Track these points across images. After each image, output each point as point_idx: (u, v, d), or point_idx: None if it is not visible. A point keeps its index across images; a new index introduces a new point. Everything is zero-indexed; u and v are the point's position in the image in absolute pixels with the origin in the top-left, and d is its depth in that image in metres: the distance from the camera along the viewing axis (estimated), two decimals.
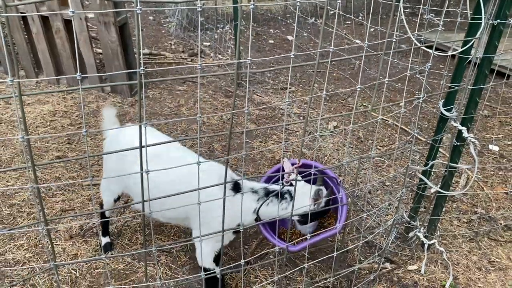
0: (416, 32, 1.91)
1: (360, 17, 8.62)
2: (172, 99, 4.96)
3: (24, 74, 5.05)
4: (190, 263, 2.73)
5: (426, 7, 2.47)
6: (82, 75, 1.26)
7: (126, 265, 2.66)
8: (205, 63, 5.95)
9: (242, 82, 5.40)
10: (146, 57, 6.03)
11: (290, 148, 4.05)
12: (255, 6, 1.41)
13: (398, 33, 1.89)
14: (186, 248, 2.84)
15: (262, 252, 2.79)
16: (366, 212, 3.22)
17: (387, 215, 3.27)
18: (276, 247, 2.45)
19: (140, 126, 1.47)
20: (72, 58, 4.74)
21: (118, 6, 4.46)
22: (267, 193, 2.16)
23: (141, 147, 1.51)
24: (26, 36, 4.86)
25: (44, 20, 4.59)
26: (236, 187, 2.16)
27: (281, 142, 4.18)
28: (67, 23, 4.57)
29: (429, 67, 2.02)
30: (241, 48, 5.35)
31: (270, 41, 7.30)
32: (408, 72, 1.94)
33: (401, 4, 2.19)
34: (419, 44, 2.14)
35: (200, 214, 2.02)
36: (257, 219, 2.22)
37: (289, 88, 5.39)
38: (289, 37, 7.56)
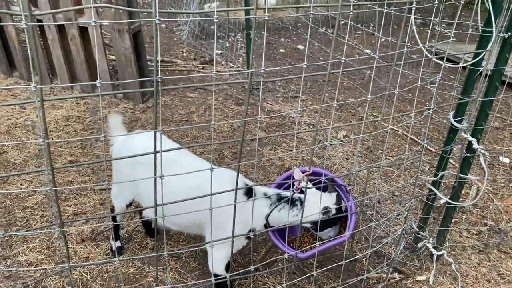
0: (427, 44, 1.93)
1: (370, 27, 8.65)
2: (183, 106, 5.02)
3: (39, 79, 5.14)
4: (199, 268, 2.75)
5: (438, 19, 2.49)
6: (98, 82, 1.30)
7: (136, 269, 2.69)
8: (217, 71, 6.01)
9: (253, 90, 5.45)
10: (157, 64, 6.10)
11: (300, 156, 4.07)
12: (268, 18, 1.44)
13: (409, 44, 1.91)
14: (195, 253, 2.86)
15: (271, 260, 2.81)
16: (375, 222, 3.23)
17: (396, 225, 3.27)
18: (284, 255, 2.47)
19: (155, 133, 1.52)
20: (86, 65, 4.82)
21: (133, 14, 4.53)
22: (279, 199, 2.19)
23: (155, 152, 1.55)
24: (42, 42, 4.96)
25: (60, 27, 4.68)
26: (249, 193, 2.19)
27: (290, 150, 4.20)
28: (82, 30, 4.66)
29: (439, 78, 2.04)
30: (252, 56, 5.41)
31: (281, 50, 7.35)
32: (419, 83, 1.96)
33: (412, 16, 2.22)
34: (430, 56, 2.16)
35: (214, 220, 2.06)
36: (266, 225, 2.24)
37: (304, 98, 5.43)
38: (300, 46, 7.61)
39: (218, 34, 7.51)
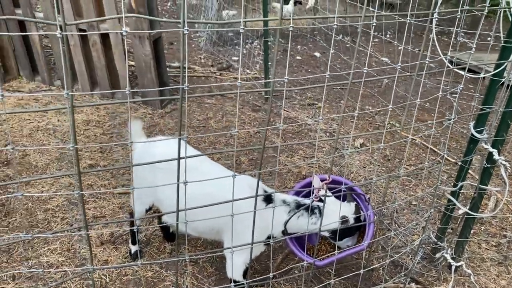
0: (449, 54, 1.93)
1: (388, 35, 8.63)
2: (200, 112, 5.07)
3: (60, 84, 5.25)
4: (216, 274, 2.77)
5: (459, 29, 2.49)
6: (127, 90, 1.34)
7: (154, 273, 2.73)
8: (234, 78, 6.06)
9: (269, 97, 5.47)
10: (176, 70, 6.18)
11: (316, 163, 4.08)
12: (293, 28, 1.47)
13: (429, 54, 1.91)
14: (212, 259, 2.88)
15: (288, 267, 2.81)
16: (392, 231, 3.21)
17: (414, 235, 3.25)
18: (301, 262, 2.48)
19: (179, 140, 1.55)
20: (106, 70, 4.91)
21: (154, 22, 4.60)
22: (298, 206, 2.21)
23: (179, 158, 1.58)
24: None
25: (82, 32, 4.78)
26: (267, 199, 2.21)
27: (307, 157, 4.21)
28: (103, 37, 4.75)
29: (461, 88, 2.04)
30: (269, 63, 5.44)
31: (297, 57, 7.37)
32: (440, 93, 1.96)
33: (434, 26, 2.22)
34: (451, 66, 2.16)
35: (234, 227, 2.08)
36: (284, 231, 2.26)
37: (320, 105, 5.43)
38: (316, 54, 7.62)
39: (236, 41, 7.57)
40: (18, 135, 4.18)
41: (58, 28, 1.17)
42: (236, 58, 6.92)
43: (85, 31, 4.72)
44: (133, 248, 2.82)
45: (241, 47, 1.53)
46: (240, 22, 1.38)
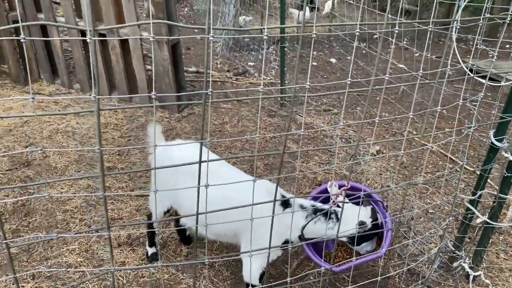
0: (470, 62, 1.92)
1: (404, 42, 8.58)
2: (216, 116, 5.10)
3: (79, 87, 5.34)
4: (231, 278, 2.78)
5: (480, 36, 2.48)
6: (153, 94, 1.36)
7: (170, 276, 2.75)
8: (250, 83, 6.09)
9: (285, 102, 5.49)
10: (193, 75, 6.24)
11: (332, 170, 4.07)
12: (316, 35, 1.48)
13: (448, 61, 1.91)
14: (227, 262, 2.90)
15: (303, 274, 2.81)
16: (408, 239, 3.19)
17: (430, 243, 3.22)
18: (317, 268, 2.47)
19: (201, 144, 1.57)
20: (125, 74, 4.98)
21: (173, 27, 4.67)
22: (316, 211, 2.21)
23: (200, 162, 1.60)
24: (84, 52, 5.16)
25: (101, 37, 4.86)
26: (285, 204, 2.22)
27: (322, 164, 4.21)
28: (122, 41, 4.82)
29: (481, 96, 2.02)
30: (285, 69, 5.46)
31: (313, 63, 7.38)
32: (461, 101, 1.95)
33: (454, 34, 2.22)
34: (471, 74, 2.15)
35: (250, 230, 2.09)
36: (301, 236, 2.26)
37: (336, 111, 5.43)
38: (332, 60, 7.62)
39: (251, 47, 7.61)
40: (39, 137, 4.26)
41: (88, 33, 1.20)
42: (252, 64, 6.95)
43: (104, 35, 4.80)
44: (150, 250, 2.85)
45: (263, 53, 1.55)
46: (262, 28, 1.40)
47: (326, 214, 2.21)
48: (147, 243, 2.88)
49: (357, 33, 1.50)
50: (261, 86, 1.49)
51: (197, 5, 10.45)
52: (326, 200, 2.45)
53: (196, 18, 9.83)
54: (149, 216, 2.82)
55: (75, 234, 1.53)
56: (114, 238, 3.03)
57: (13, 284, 2.63)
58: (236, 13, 7.32)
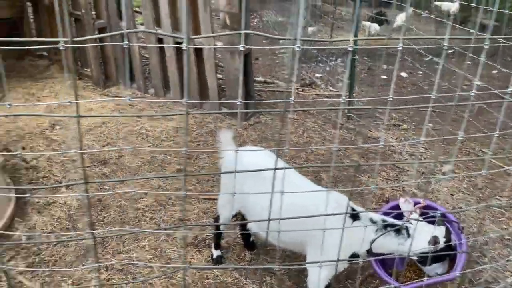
0: None
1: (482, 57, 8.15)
2: (282, 126, 5.14)
3: (154, 91, 5.61)
4: (293, 287, 2.78)
5: None
6: (239, 101, 1.41)
7: (233, 280, 2.80)
8: (316, 94, 6.09)
9: (352, 115, 5.41)
10: (260, 85, 6.33)
11: (401, 187, 3.95)
12: (402, 47, 1.47)
13: None
14: (290, 271, 2.90)
15: None
16: (481, 265, 3.01)
17: (506, 271, 3.02)
18: (383, 286, 2.41)
19: (277, 151, 1.60)
20: (197, 82, 5.17)
21: (247, 37, 4.78)
22: (386, 226, 2.17)
23: (275, 169, 1.63)
24: (159, 58, 5.42)
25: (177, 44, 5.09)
26: (354, 217, 2.19)
27: (389, 180, 4.10)
28: (197, 50, 5.02)
29: None
30: (350, 81, 5.40)
31: (383, 76, 7.23)
32: None
33: None
34: None
35: (317, 240, 2.09)
36: (370, 250, 2.22)
37: (405, 126, 5.28)
38: (403, 74, 7.42)
39: (319, 58, 7.60)
40: (115, 137, 4.53)
41: (185, 42, 1.27)
42: (319, 75, 6.94)
43: (180, 43, 5.02)
44: (215, 253, 2.92)
45: (331, 64, 1.56)
46: (350, 40, 1.41)
47: (397, 230, 2.15)
48: (212, 245, 2.96)
49: (445, 47, 1.47)
50: (343, 97, 1.50)
51: (267, 17, 10.63)
52: (397, 217, 2.39)
53: (266, 30, 9.99)
54: (216, 219, 2.90)
55: (155, 230, 1.62)
56: (182, 238, 3.14)
57: (88, 273, 2.81)
58: (306, 24, 7.36)
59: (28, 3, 6.54)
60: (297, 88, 6.37)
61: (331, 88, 6.39)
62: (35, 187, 3.73)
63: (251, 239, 3.04)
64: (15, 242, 3.04)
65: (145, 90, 5.64)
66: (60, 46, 1.17)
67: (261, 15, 10.98)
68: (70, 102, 1.28)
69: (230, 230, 3.26)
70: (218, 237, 2.91)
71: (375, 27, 8.83)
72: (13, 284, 2.34)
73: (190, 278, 2.80)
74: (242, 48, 1.33)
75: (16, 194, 3.42)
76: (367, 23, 8.84)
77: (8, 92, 5.49)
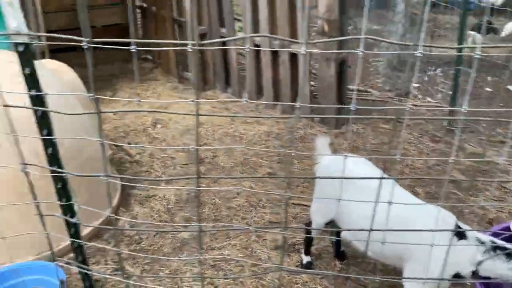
0: None
1: None
2: (374, 136, 5.00)
3: (248, 96, 5.77)
4: None
5: None
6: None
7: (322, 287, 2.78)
8: (414, 105, 5.84)
9: (454, 129, 5.10)
10: (350, 92, 6.23)
11: (507, 209, 3.64)
12: None
13: None
14: (382, 286, 2.81)
15: None
16: None
17: None
18: None
19: (384, 160, 1.56)
20: (290, 88, 5.22)
21: (342, 44, 4.74)
22: (495, 248, 2.01)
23: (381, 178, 1.60)
24: (255, 64, 5.56)
25: (273, 52, 5.18)
26: (460, 235, 2.07)
27: (494, 200, 3.80)
28: (292, 57, 5.07)
29: None
30: (450, 93, 5.08)
31: (487, 89, 6.73)
32: None
33: None
34: None
35: (417, 255, 2.00)
36: (475, 272, 2.08)
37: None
38: (510, 87, 6.84)
39: (419, 68, 7.28)
40: (211, 138, 4.74)
41: (303, 47, 1.30)
42: (416, 85, 6.65)
43: (277, 51, 5.12)
44: (305, 259, 2.92)
45: (429, 74, 1.49)
46: (477, 47, 1.33)
47: (509, 254, 1.99)
48: (303, 250, 2.96)
49: None
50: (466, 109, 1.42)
51: (361, 24, 10.42)
52: (508, 240, 2.20)
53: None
54: (308, 225, 2.89)
55: (255, 227, 1.66)
56: (272, 240, 3.18)
57: (184, 265, 2.96)
58: (404, 32, 7.10)
59: (138, 10, 7.10)
60: (392, 98, 6.16)
61: (429, 99, 6.08)
62: (147, 178, 4.01)
63: (341, 248, 2.99)
64: (121, 228, 3.30)
65: (239, 94, 5.82)
66: (189, 48, 1.26)
67: (356, 23, 10.80)
68: (192, 101, 1.37)
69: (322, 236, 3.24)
70: (309, 243, 2.91)
71: (478, 36, 8.25)
72: (121, 267, 2.54)
73: (280, 281, 2.83)
74: (360, 53, 1.32)
75: (122, 184, 3.71)
76: (472, 32, 8.29)
77: (117, 92, 6.00)
